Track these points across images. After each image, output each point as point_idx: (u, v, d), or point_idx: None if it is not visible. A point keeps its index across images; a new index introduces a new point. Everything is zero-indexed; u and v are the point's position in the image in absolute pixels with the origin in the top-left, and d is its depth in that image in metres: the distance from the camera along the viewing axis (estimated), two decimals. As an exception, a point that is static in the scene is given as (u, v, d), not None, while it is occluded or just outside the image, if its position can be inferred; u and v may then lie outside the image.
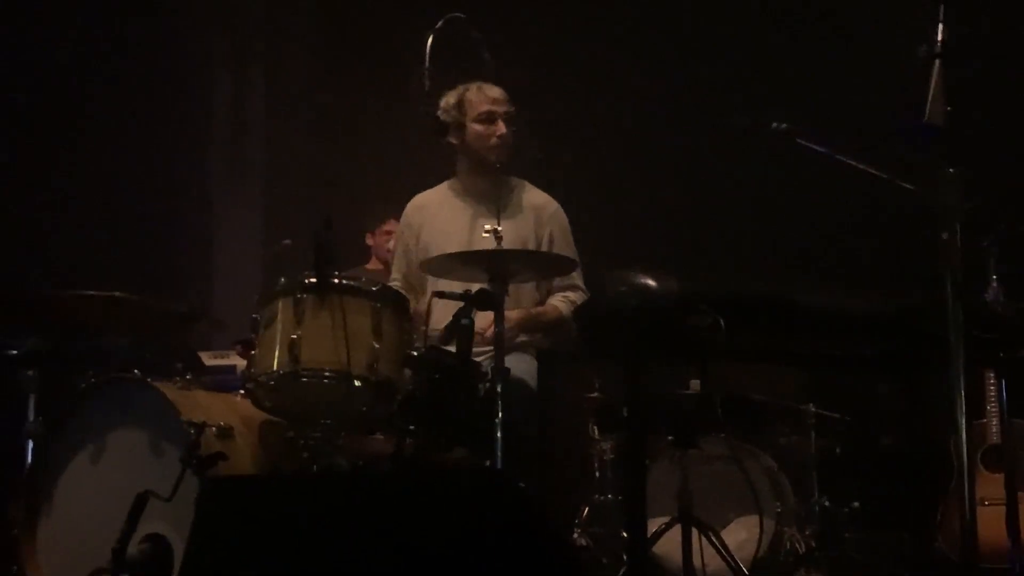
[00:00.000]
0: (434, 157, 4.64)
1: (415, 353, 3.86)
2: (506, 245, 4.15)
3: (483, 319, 3.97)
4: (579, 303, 4.46)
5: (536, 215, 4.52)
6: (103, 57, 6.47)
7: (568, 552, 3.42)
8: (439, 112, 4.47)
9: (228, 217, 6.95)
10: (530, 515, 2.99)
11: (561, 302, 4.49)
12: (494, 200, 4.43)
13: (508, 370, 3.83)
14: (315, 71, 7.09)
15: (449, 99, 4.50)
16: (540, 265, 4.30)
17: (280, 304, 3.76)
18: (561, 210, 4.60)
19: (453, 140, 4.51)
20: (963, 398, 2.97)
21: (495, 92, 4.51)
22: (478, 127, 4.47)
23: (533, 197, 4.57)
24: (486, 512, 2.92)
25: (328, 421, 3.81)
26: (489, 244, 4.06)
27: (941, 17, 3.09)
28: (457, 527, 2.89)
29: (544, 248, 4.46)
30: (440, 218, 4.59)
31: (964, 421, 2.97)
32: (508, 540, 2.86)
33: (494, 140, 4.49)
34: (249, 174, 7.02)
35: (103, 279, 4.12)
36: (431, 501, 2.96)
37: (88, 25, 6.45)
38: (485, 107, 4.47)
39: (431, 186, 4.72)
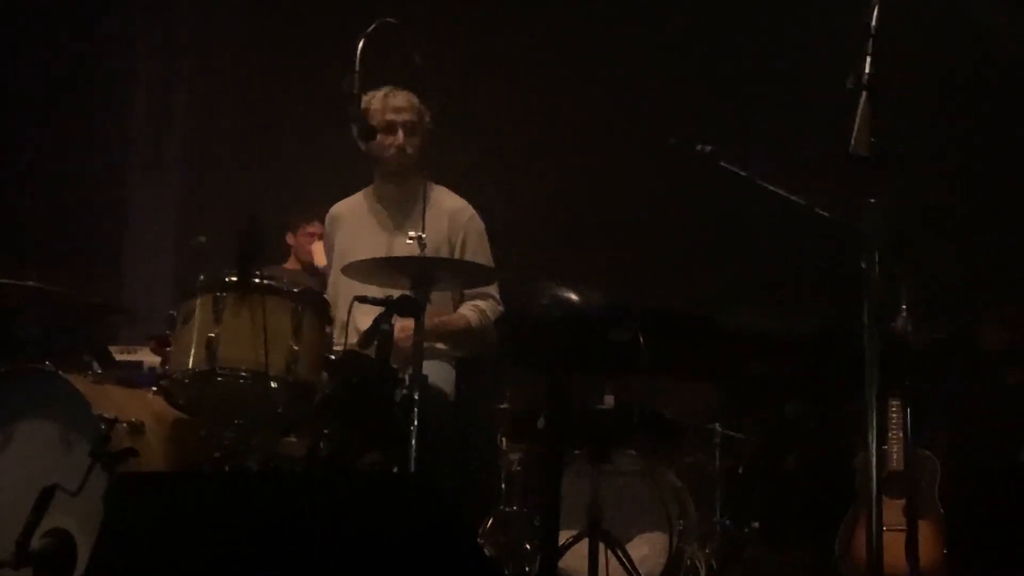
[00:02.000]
0: (358, 160, 4.63)
1: (333, 356, 3.84)
2: (405, 250, 4.14)
3: (401, 327, 3.95)
4: (489, 312, 4.46)
5: (450, 220, 4.50)
6: (23, 42, 6.35)
7: (482, 556, 3.42)
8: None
9: (143, 210, 6.85)
10: (447, 519, 3.00)
11: (471, 311, 4.46)
12: (409, 206, 4.45)
13: (426, 377, 3.83)
14: (240, 66, 7.02)
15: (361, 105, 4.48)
16: (463, 274, 4.30)
17: (199, 301, 3.71)
18: (476, 216, 4.58)
19: (362, 146, 4.50)
20: (875, 424, 3.02)
21: (398, 100, 4.49)
22: (379, 135, 4.42)
23: (448, 201, 4.55)
24: (402, 515, 2.91)
25: (242, 421, 3.76)
26: (412, 250, 4.05)
27: (869, 50, 3.17)
28: (372, 530, 2.88)
29: (456, 253, 4.45)
30: (357, 225, 4.59)
31: (875, 446, 3.02)
32: (424, 543, 2.86)
33: (392, 150, 4.48)
34: (167, 168, 6.93)
35: (10, 266, 4.04)
36: (346, 503, 2.95)
37: (9, 9, 6.32)
38: (385, 116, 4.44)
39: (354, 186, 4.72)
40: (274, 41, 6.89)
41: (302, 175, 6.24)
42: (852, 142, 3.09)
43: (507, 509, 5.48)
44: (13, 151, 6.21)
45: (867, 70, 3.14)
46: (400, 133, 4.46)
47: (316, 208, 5.21)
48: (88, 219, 6.59)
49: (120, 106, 6.92)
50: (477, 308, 4.46)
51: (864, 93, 3.13)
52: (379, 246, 4.46)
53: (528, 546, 5.25)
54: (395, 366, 3.88)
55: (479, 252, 4.52)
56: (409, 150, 4.49)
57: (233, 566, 2.89)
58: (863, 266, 3.06)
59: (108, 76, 6.84)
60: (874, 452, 3.02)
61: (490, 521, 5.49)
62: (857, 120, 3.10)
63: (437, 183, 4.55)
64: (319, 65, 6.17)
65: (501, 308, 4.48)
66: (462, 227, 4.52)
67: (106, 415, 3.55)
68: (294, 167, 6.43)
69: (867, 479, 4.80)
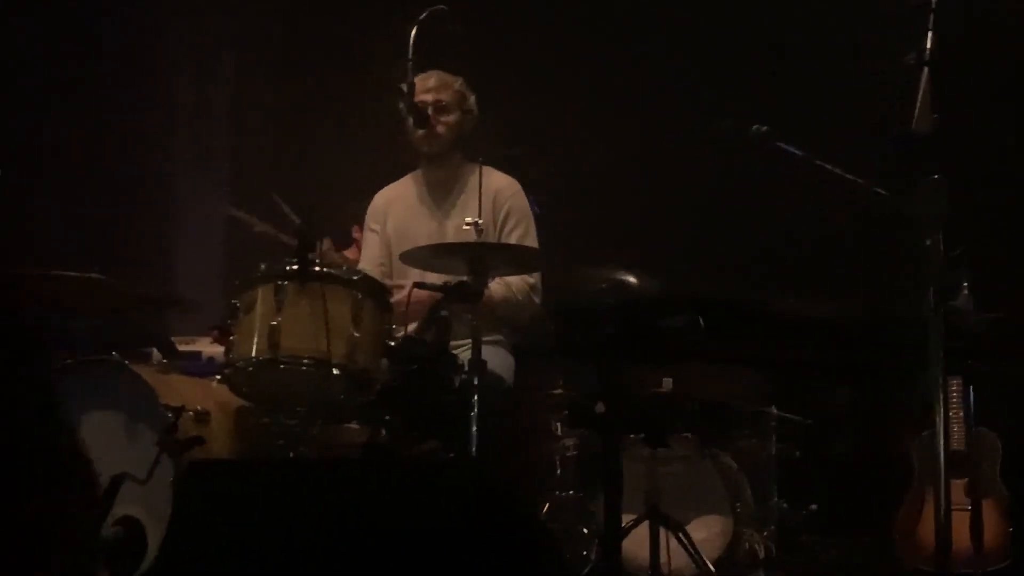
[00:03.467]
0: (402, 146, 4.64)
1: (392, 344, 3.86)
2: (459, 235, 4.20)
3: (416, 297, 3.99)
4: (515, 289, 4.41)
5: (495, 199, 4.49)
6: (70, 40, 6.39)
7: (547, 541, 3.43)
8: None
9: (189, 203, 6.88)
10: (509, 505, 3.02)
11: (497, 285, 4.40)
12: (459, 189, 4.47)
13: (485, 362, 3.84)
14: (283, 56, 7.04)
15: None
16: (518, 259, 4.30)
17: (260, 291, 3.74)
18: (521, 193, 4.57)
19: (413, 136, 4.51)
20: (943, 404, 3.00)
21: (428, 82, 4.49)
22: (409, 120, 4.42)
23: (495, 182, 4.54)
24: (464, 501, 2.93)
25: (303, 409, 3.80)
26: (469, 236, 4.06)
27: (931, 25, 3.14)
28: (434, 516, 2.90)
29: (497, 232, 4.42)
30: (408, 211, 4.61)
31: (944, 428, 3.00)
32: (486, 529, 2.88)
33: (423, 137, 4.50)
34: (212, 159, 6.96)
35: (61, 259, 4.08)
36: (409, 490, 2.97)
37: (56, 7, 6.37)
38: (416, 98, 4.36)
39: (399, 173, 4.74)
40: (316, 31, 6.90)
41: (347, 164, 6.24)
42: (914, 119, 3.08)
43: (562, 494, 5.47)
44: (64, 149, 6.25)
45: (928, 46, 3.13)
46: (430, 115, 4.45)
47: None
48: (135, 213, 6.62)
49: (165, 99, 6.95)
50: (503, 282, 4.42)
51: (926, 69, 3.12)
52: (433, 232, 4.47)
53: (585, 531, 5.25)
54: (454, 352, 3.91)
55: (518, 228, 4.49)
56: (440, 129, 4.49)
57: (299, 552, 2.92)
58: (927, 244, 3.04)
59: (151, 69, 6.87)
60: (941, 432, 3.00)
61: (546, 506, 5.49)
62: (919, 97, 3.09)
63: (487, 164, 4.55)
64: (361, 53, 6.21)
65: (535, 285, 4.44)
66: (505, 204, 4.51)
67: (172, 404, 3.59)
68: (339, 156, 6.44)
69: (928, 460, 4.84)
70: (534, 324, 4.53)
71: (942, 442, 3.01)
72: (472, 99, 4.58)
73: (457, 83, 4.56)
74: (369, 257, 4.67)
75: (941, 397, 2.98)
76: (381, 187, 4.79)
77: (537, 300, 4.46)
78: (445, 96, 4.51)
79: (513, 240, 4.40)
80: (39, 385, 3.54)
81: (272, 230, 4.73)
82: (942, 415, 3.00)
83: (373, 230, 4.68)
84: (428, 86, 4.48)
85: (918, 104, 3.08)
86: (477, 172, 4.34)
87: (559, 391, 5.53)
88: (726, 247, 5.77)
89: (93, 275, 3.90)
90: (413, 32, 4.17)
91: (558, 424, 5.53)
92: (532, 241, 4.50)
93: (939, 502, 3.00)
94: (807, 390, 5.50)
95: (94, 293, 3.93)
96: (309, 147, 6.75)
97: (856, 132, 5.02)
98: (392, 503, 2.94)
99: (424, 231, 4.51)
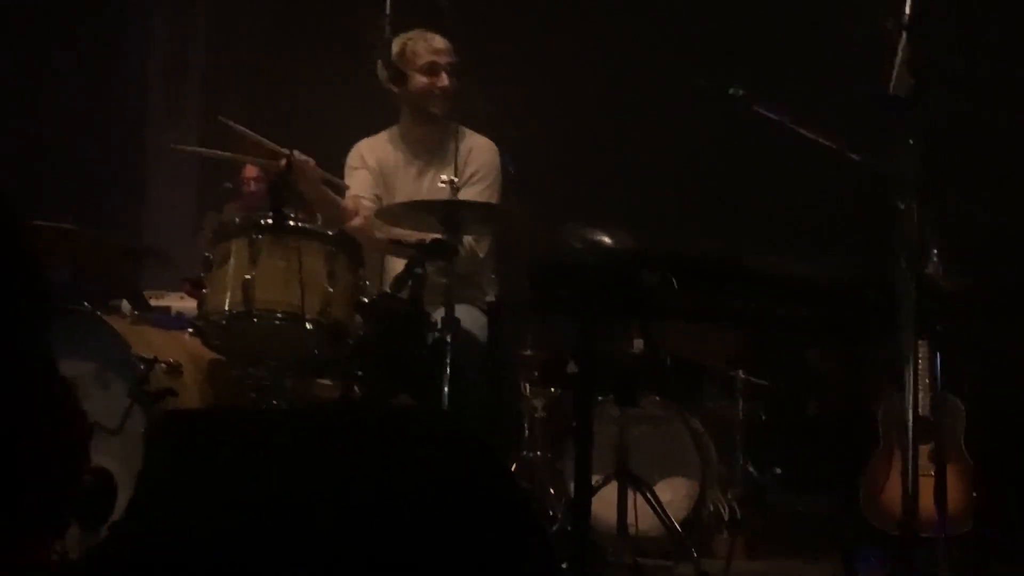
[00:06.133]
0: (379, 103, 4.61)
1: (367, 300, 3.86)
2: (435, 192, 4.20)
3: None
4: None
5: (468, 156, 4.48)
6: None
7: (522, 495, 3.45)
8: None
9: (162, 159, 6.85)
10: (482, 456, 3.02)
11: None
12: (440, 148, 4.46)
13: (458, 320, 3.85)
14: (257, 13, 7.00)
15: (393, 48, 4.45)
16: (491, 217, 4.30)
17: (234, 244, 3.72)
18: (494, 151, 4.56)
19: (395, 89, 4.47)
20: (913, 369, 3.02)
21: (438, 43, 4.48)
22: (421, 78, 4.44)
23: (469, 140, 4.53)
24: (436, 453, 2.93)
25: (276, 363, 3.79)
26: (444, 194, 4.07)
27: (910, -11, 3.15)
28: (408, 467, 2.90)
29: (462, 185, 4.37)
30: (389, 168, 4.59)
31: (912, 392, 3.01)
32: (460, 480, 2.88)
33: (437, 91, 4.47)
34: (186, 114, 6.93)
35: (32, 209, 4.05)
36: (384, 441, 2.97)
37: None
38: (428, 58, 4.44)
39: (377, 130, 4.70)
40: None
41: (322, 122, 6.22)
42: (892, 82, 3.09)
43: (530, 454, 5.51)
44: (36, 101, 6.21)
45: (907, 10, 3.13)
46: (443, 75, 4.45)
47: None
48: (108, 167, 6.59)
49: (139, 54, 6.90)
50: None
51: (904, 33, 3.12)
52: (410, 189, 4.47)
53: (552, 491, 5.28)
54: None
55: (478, 185, 4.46)
56: (454, 91, 4.48)
57: (271, 503, 2.91)
58: (900, 207, 3.05)
59: (125, 21, 6.82)
60: (911, 398, 3.01)
61: (513, 466, 5.52)
62: (897, 60, 3.10)
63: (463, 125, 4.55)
64: (336, 11, 6.16)
65: (478, 240, 4.42)
66: (475, 161, 4.49)
67: (144, 356, 3.58)
68: (313, 114, 6.41)
69: (893, 423, 4.88)
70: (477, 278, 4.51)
71: (912, 406, 3.03)
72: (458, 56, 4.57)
73: (446, 42, 4.52)
74: (361, 190, 4.57)
75: (912, 361, 3.00)
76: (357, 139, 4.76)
77: (481, 255, 4.45)
78: (454, 57, 4.49)
79: (470, 195, 4.37)
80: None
81: (261, 139, 4.50)
82: (912, 379, 3.00)
83: (357, 168, 4.64)
84: (437, 47, 4.47)
85: (896, 68, 3.08)
86: (455, 132, 4.35)
87: (528, 351, 5.56)
88: (701, 207, 5.79)
89: (66, 225, 3.89)
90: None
91: (527, 385, 5.56)
92: (492, 199, 4.49)
93: (907, 467, 3.02)
94: (777, 352, 5.54)
95: (66, 242, 3.92)
96: (283, 102, 6.73)
97: (834, 95, 5.04)
98: (366, 455, 2.94)
99: (401, 188, 4.51)
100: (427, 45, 4.45)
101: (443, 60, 4.47)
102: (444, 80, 4.46)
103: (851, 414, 5.44)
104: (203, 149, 4.64)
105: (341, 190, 4.41)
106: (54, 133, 6.30)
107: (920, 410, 4.74)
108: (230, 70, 7.00)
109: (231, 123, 4.16)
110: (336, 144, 4.85)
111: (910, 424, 3.03)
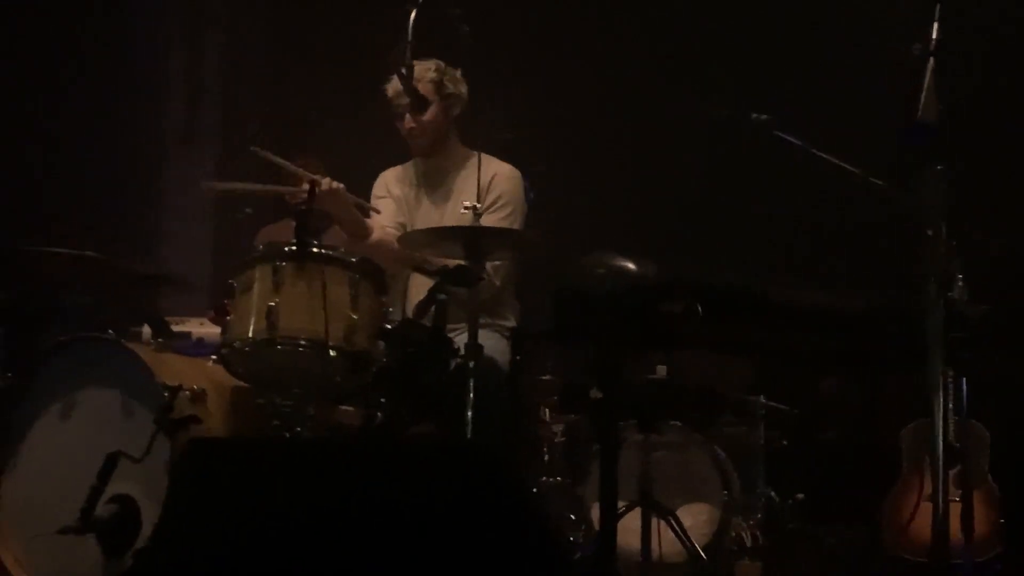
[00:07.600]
0: (394, 131, 4.62)
1: (389, 326, 3.85)
2: (454, 220, 4.22)
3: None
4: None
5: (490, 182, 4.45)
6: (60, 17, 6.35)
7: (546, 522, 3.44)
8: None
9: (180, 181, 6.85)
10: (507, 486, 3.01)
11: None
12: (458, 176, 4.46)
13: (481, 347, 3.84)
14: (273, 35, 7.02)
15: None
16: (513, 243, 4.30)
17: (258, 271, 3.72)
18: (518, 179, 4.54)
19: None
20: (941, 397, 3.00)
21: (393, 86, 4.40)
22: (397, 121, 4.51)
23: (492, 167, 4.50)
24: (459, 483, 2.93)
25: (299, 390, 3.78)
26: (466, 220, 4.06)
27: (937, 16, 3.14)
28: (431, 497, 2.90)
29: (484, 211, 4.27)
30: (408, 196, 4.59)
31: (942, 422, 2.99)
32: (483, 510, 2.88)
33: (404, 134, 4.52)
34: (202, 139, 6.93)
35: (49, 235, 4.06)
36: (407, 470, 2.97)
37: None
38: (392, 102, 4.46)
39: (392, 154, 4.73)
40: (306, 10, 6.88)
41: (338, 145, 6.22)
42: (920, 109, 3.08)
43: (550, 480, 5.48)
44: (54, 125, 6.22)
45: (935, 36, 3.13)
46: (406, 118, 4.47)
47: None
48: (124, 192, 6.59)
49: (156, 78, 6.91)
50: None
51: (931, 59, 3.12)
52: (432, 217, 4.47)
53: (572, 517, 5.26)
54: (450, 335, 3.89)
55: (501, 211, 4.43)
56: (422, 127, 4.47)
57: (294, 531, 2.91)
58: (928, 234, 3.04)
59: (141, 48, 6.83)
60: (940, 425, 2.99)
61: (533, 492, 5.49)
62: (925, 87, 3.09)
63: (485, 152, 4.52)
64: (353, 34, 6.18)
65: (496, 267, 4.38)
66: (497, 187, 4.47)
67: (169, 383, 3.57)
68: (330, 138, 6.42)
69: (916, 450, 4.86)
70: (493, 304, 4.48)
71: (941, 434, 3.00)
72: (451, 82, 4.52)
73: (430, 71, 4.47)
74: (387, 219, 4.57)
75: (941, 388, 2.98)
76: (375, 167, 4.77)
77: (497, 283, 4.43)
78: (404, 100, 4.41)
79: (492, 221, 4.35)
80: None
81: (297, 168, 4.48)
82: (941, 407, 2.98)
83: (383, 197, 4.64)
84: (393, 90, 4.43)
85: (923, 94, 3.08)
86: (476, 159, 4.33)
87: (548, 377, 5.54)
88: (725, 235, 5.78)
89: (88, 252, 3.89)
90: (412, 14, 4.14)
91: (546, 410, 5.54)
92: (515, 225, 4.47)
93: (937, 494, 3.00)
94: (796, 379, 5.52)
95: (89, 270, 3.91)
96: (301, 128, 6.74)
97: (859, 121, 5.03)
98: (389, 483, 2.93)
99: (424, 216, 4.51)
100: (391, 89, 4.43)
101: (397, 103, 4.46)
102: (406, 123, 4.48)
103: (873, 441, 5.43)
104: (237, 185, 4.62)
105: (369, 212, 4.41)
106: (70, 160, 6.31)
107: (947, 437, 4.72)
108: (247, 95, 7.01)
109: (267, 154, 4.14)
110: (357, 167, 4.86)
111: (940, 451, 3.01)
